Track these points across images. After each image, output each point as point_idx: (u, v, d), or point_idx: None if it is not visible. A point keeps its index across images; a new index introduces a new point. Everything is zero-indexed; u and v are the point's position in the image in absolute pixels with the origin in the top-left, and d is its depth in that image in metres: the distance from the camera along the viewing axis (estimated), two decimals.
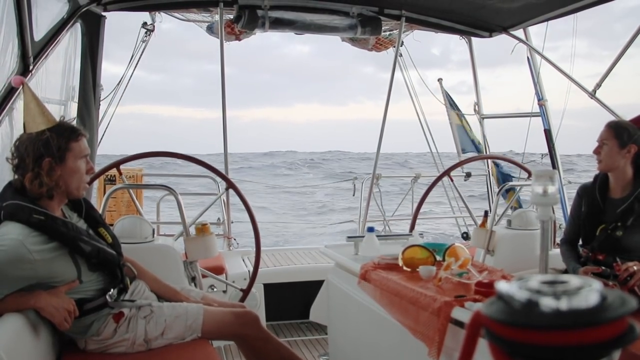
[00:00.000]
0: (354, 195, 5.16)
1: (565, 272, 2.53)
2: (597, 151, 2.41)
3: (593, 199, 2.47)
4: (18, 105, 2.33)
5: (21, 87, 1.93)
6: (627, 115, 2.97)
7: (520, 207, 4.12)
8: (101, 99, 3.90)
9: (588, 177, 2.63)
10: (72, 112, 3.38)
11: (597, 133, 2.45)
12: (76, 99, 3.44)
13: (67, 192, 1.92)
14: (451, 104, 5.31)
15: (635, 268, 2.17)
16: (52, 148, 1.84)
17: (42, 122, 1.86)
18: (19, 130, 1.99)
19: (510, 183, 4.43)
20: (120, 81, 4.33)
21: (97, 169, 2.72)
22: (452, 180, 3.90)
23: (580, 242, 2.55)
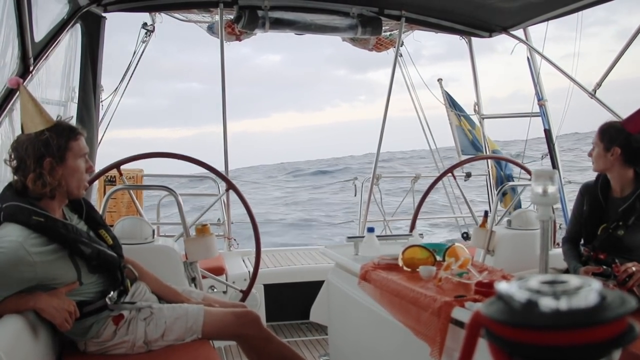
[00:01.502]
0: (355, 195, 5.16)
1: (566, 271, 2.53)
2: (590, 154, 2.47)
3: (595, 198, 2.47)
4: (18, 106, 2.32)
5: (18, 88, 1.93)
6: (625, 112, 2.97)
7: (520, 206, 4.11)
8: (102, 99, 3.90)
9: None
10: (72, 113, 3.38)
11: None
12: (76, 100, 3.44)
13: (67, 191, 1.92)
14: (452, 104, 5.31)
15: (634, 269, 2.17)
16: (53, 148, 1.84)
17: (41, 122, 1.85)
18: (18, 132, 1.99)
19: (510, 183, 4.43)
20: (124, 74, 4.32)
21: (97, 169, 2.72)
22: (454, 178, 3.88)
23: (582, 241, 2.55)
